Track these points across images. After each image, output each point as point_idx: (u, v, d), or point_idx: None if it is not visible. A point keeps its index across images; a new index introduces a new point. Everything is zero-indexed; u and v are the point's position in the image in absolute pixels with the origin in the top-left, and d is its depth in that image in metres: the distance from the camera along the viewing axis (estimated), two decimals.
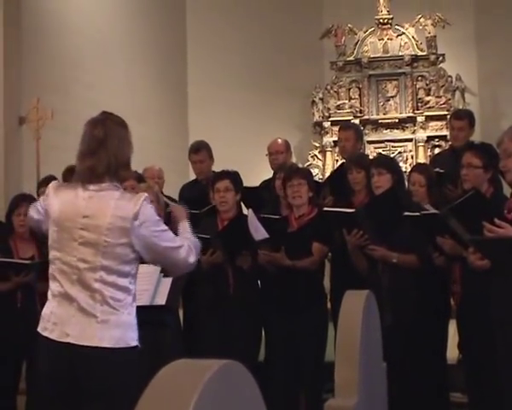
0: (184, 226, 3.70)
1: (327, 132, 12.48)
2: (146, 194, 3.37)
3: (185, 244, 3.40)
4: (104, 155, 3.25)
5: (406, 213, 4.79)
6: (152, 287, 4.35)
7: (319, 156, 12.57)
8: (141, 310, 4.17)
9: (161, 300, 4.40)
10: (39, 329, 3.30)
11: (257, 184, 6.51)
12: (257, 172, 6.90)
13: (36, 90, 8.58)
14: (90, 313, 3.18)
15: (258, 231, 5.09)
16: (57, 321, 3.23)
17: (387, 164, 5.27)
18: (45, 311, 3.32)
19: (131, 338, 3.22)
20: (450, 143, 7.47)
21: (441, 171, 5.72)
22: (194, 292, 5.49)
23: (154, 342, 4.66)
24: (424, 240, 4.91)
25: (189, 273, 4.85)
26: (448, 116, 9.90)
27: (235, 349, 4.86)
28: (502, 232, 3.83)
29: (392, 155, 12.15)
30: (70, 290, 3.22)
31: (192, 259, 3.41)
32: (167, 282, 4.32)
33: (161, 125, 11.67)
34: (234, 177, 5.53)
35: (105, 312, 3.18)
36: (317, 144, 12.64)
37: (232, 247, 5.25)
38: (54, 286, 3.30)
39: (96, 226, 3.20)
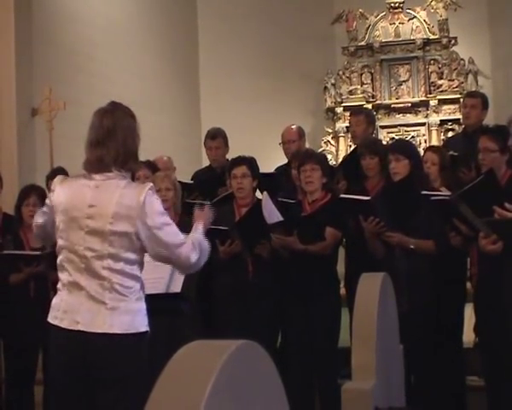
0: (197, 227, 3.59)
1: (339, 118, 12.44)
2: (151, 184, 3.36)
3: (188, 242, 3.34)
4: (112, 145, 3.26)
5: (424, 192, 4.77)
6: (167, 275, 4.36)
7: (332, 142, 12.54)
8: (156, 298, 4.20)
9: (176, 287, 4.42)
10: (49, 318, 3.33)
11: (271, 170, 6.50)
12: (271, 159, 6.87)
13: (48, 81, 8.59)
14: (99, 300, 3.21)
15: (272, 214, 5.09)
16: (67, 309, 3.26)
17: (404, 149, 5.23)
18: (55, 300, 3.35)
19: (141, 324, 3.25)
20: (463, 126, 7.44)
21: (455, 154, 5.71)
22: (213, 280, 5.50)
23: (169, 330, 4.68)
24: (441, 225, 4.89)
25: (206, 262, 4.87)
26: (461, 100, 9.85)
27: (253, 336, 4.86)
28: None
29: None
30: (79, 279, 3.25)
31: (194, 258, 3.33)
32: None
33: (174, 114, 11.66)
34: (251, 163, 5.53)
35: (114, 299, 3.21)
36: (330, 130, 12.60)
37: (250, 237, 5.24)
38: (63, 276, 3.32)
39: (101, 215, 3.22)
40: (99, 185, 3.27)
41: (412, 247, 4.92)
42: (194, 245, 3.35)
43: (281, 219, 5.10)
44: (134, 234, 3.21)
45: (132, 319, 3.22)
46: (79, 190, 3.30)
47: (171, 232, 3.29)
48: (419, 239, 4.93)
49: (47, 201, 3.56)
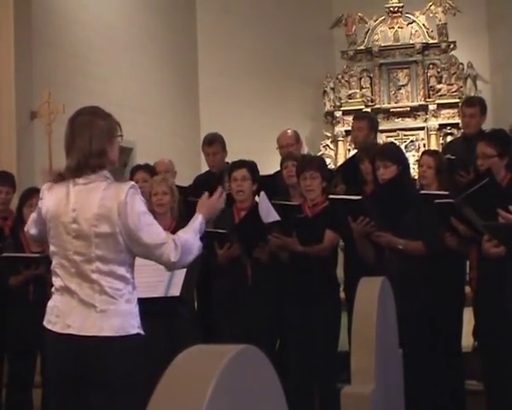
0: (195, 219, 3.52)
1: (338, 122, 12.47)
2: (133, 183, 3.38)
3: (169, 241, 3.29)
4: (76, 154, 3.32)
5: (423, 192, 4.75)
6: (166, 278, 4.35)
7: (331, 146, 12.56)
8: (156, 301, 4.21)
9: (176, 291, 4.41)
10: (44, 322, 3.38)
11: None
12: (269, 163, 6.86)
13: (47, 84, 8.59)
14: (89, 303, 3.24)
15: (270, 214, 5.08)
16: (60, 314, 3.31)
17: (392, 156, 5.20)
18: (49, 304, 3.39)
19: (131, 326, 3.26)
20: (462, 130, 7.43)
21: (452, 157, 5.70)
22: (212, 285, 5.49)
23: (168, 333, 4.68)
24: (433, 226, 4.88)
25: (204, 265, 4.87)
26: (460, 104, 9.86)
27: (252, 340, 4.84)
28: None
29: (403, 144, 12.15)
30: (70, 284, 3.29)
31: (174, 258, 3.28)
32: (181, 273, 4.32)
33: (172, 118, 11.67)
34: (251, 166, 5.54)
35: (104, 301, 3.23)
36: (329, 134, 12.62)
37: (249, 240, 5.24)
38: (56, 281, 3.37)
39: (85, 219, 3.26)
40: (82, 189, 3.31)
41: (401, 247, 4.91)
42: (176, 244, 3.30)
43: (278, 218, 5.10)
44: (118, 234, 3.24)
45: (122, 321, 3.24)
46: (64, 195, 3.35)
47: (151, 232, 3.28)
48: (408, 240, 4.92)
49: (39, 205, 3.57)
